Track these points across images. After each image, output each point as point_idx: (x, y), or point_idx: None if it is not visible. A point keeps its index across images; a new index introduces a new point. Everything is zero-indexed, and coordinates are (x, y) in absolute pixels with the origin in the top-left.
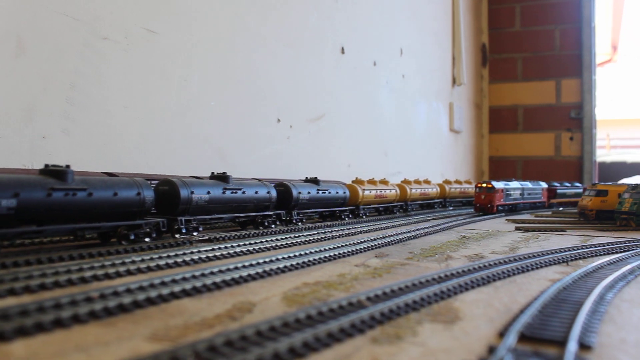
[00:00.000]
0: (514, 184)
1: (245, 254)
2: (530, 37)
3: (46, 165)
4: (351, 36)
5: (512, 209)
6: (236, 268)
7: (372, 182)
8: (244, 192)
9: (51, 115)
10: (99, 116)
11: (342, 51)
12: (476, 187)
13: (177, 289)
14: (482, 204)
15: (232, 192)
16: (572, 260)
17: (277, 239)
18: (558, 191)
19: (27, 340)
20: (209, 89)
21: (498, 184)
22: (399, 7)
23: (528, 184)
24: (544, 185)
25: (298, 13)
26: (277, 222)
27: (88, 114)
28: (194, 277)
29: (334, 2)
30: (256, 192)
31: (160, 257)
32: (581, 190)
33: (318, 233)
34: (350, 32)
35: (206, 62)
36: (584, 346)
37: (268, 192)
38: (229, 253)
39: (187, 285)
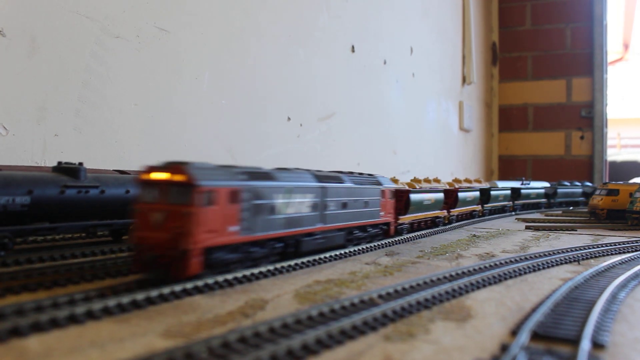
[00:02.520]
0: (303, 180)
1: None
2: (541, 36)
3: (59, 163)
4: (362, 35)
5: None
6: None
7: None
8: None
9: (63, 113)
10: (110, 114)
11: (353, 50)
12: (142, 182)
13: (189, 286)
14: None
15: None
16: (583, 259)
17: None
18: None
19: (42, 336)
20: (220, 88)
21: (235, 181)
22: (410, 6)
23: (356, 181)
24: (388, 184)
25: (309, 12)
26: None
27: (100, 112)
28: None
29: (344, 1)
30: None
31: None
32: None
33: None
34: (360, 31)
35: (217, 61)
36: (597, 345)
37: None
38: None
39: (200, 283)
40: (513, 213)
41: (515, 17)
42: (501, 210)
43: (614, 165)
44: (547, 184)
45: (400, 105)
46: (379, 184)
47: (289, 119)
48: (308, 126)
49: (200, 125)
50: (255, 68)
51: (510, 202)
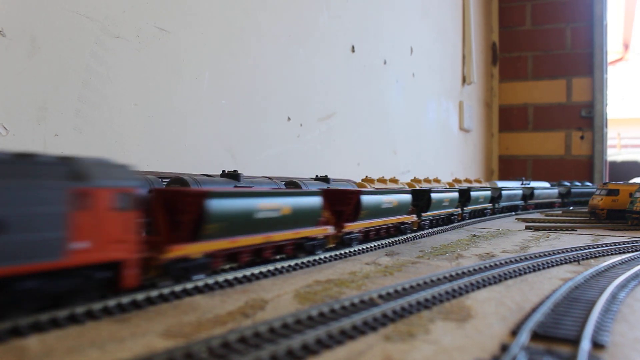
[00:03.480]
0: None
1: None
2: (541, 36)
3: None
4: (362, 35)
5: None
6: (248, 266)
7: (382, 180)
8: None
9: (63, 113)
10: (110, 114)
11: (353, 50)
12: None
13: (189, 286)
14: None
15: None
16: (583, 259)
17: None
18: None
19: (42, 336)
20: (220, 88)
21: None
22: (410, 5)
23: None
24: (110, 179)
25: (309, 12)
26: None
27: (100, 112)
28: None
29: (344, 1)
30: None
31: None
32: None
33: None
34: (360, 31)
35: (217, 61)
36: (597, 345)
37: None
38: None
39: (200, 283)
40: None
41: (515, 17)
42: (448, 220)
43: (614, 165)
44: (488, 185)
45: (400, 105)
46: (75, 177)
47: (289, 119)
48: (308, 126)
49: (200, 125)
50: (255, 68)
51: (459, 209)
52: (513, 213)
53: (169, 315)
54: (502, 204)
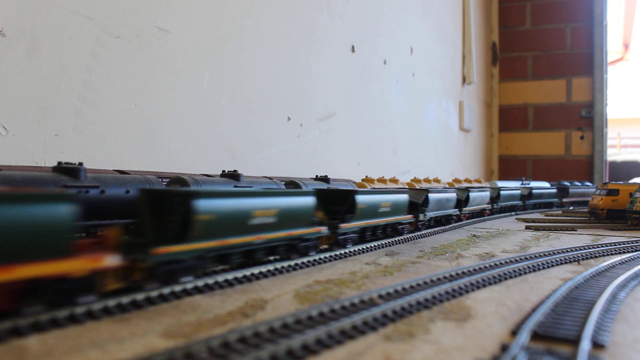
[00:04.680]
0: None
1: None
2: (541, 36)
3: (59, 163)
4: (362, 35)
5: None
6: (248, 266)
7: (382, 180)
8: None
9: (63, 113)
10: (110, 114)
11: (353, 50)
12: None
13: (189, 286)
14: None
15: None
16: (583, 259)
17: None
18: None
19: (42, 336)
20: (220, 88)
21: None
22: (410, 5)
23: None
24: None
25: (309, 11)
26: None
27: (100, 112)
28: (206, 274)
29: (344, 1)
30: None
31: None
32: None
33: None
34: (360, 31)
35: (217, 61)
36: (597, 345)
37: None
38: None
39: (200, 283)
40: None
41: (515, 17)
42: (290, 251)
43: (614, 165)
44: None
45: (400, 105)
46: None
47: (289, 119)
48: (308, 126)
49: (200, 125)
50: (255, 68)
51: (323, 229)
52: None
53: (169, 315)
54: (430, 214)
